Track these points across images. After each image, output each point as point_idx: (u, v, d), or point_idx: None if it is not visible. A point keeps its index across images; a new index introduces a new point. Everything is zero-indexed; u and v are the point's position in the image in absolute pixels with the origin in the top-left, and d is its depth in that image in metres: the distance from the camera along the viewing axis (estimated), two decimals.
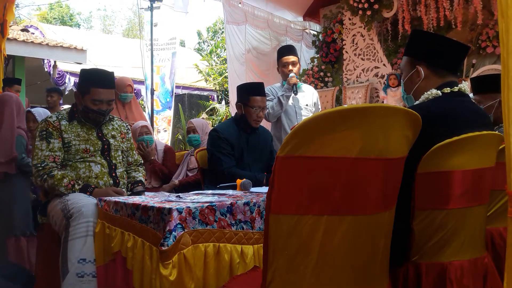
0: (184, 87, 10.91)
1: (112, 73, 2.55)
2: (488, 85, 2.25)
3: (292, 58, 3.42)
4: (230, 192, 2.14)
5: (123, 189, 2.45)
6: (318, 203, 0.98)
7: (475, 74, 4.60)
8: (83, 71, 2.55)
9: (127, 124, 2.78)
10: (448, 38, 1.68)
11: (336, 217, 0.99)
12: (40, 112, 3.71)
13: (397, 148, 1.08)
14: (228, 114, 8.91)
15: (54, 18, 21.94)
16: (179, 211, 1.57)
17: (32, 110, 3.75)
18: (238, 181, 2.26)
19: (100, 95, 2.40)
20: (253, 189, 2.25)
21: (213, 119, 9.61)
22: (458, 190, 1.39)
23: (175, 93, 7.87)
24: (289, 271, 0.97)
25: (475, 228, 1.44)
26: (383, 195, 1.06)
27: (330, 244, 0.99)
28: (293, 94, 3.40)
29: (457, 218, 1.39)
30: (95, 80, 2.42)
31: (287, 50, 3.51)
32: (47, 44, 7.76)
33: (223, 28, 14.65)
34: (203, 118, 8.34)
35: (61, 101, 6.50)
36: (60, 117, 2.45)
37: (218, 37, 14.53)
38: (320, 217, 0.98)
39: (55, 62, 8.39)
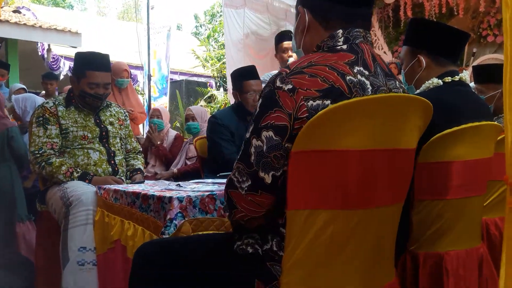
0: (182, 73, 10.83)
1: (107, 56, 2.52)
2: (491, 75, 2.25)
3: (292, 43, 3.40)
4: None
5: (122, 177, 2.45)
6: (330, 197, 0.97)
7: (475, 63, 4.58)
8: (78, 54, 2.53)
9: (125, 110, 2.77)
10: (448, 25, 1.68)
11: (348, 211, 0.99)
12: (18, 99, 3.72)
13: (411, 139, 1.07)
14: (226, 101, 8.87)
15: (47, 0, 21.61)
16: (180, 200, 1.58)
17: (13, 97, 3.76)
18: None
19: (96, 78, 2.38)
20: None
21: (212, 106, 9.56)
22: (457, 181, 1.40)
23: (172, 79, 7.81)
24: (304, 263, 0.99)
25: (472, 218, 1.46)
26: (396, 187, 1.06)
27: (341, 236, 0.99)
28: None
29: (454, 209, 1.41)
30: (91, 63, 2.40)
31: (287, 35, 3.47)
32: (40, 27, 7.51)
33: (221, 11, 14.49)
34: (201, 105, 8.31)
35: (56, 87, 6.44)
36: (57, 102, 2.43)
37: (216, 21, 14.37)
38: (332, 211, 0.97)
39: (49, 45, 8.23)
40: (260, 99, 1.01)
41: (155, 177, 3.48)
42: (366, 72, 1.01)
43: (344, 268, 1.01)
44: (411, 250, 1.43)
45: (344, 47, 1.05)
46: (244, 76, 2.77)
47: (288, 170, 0.96)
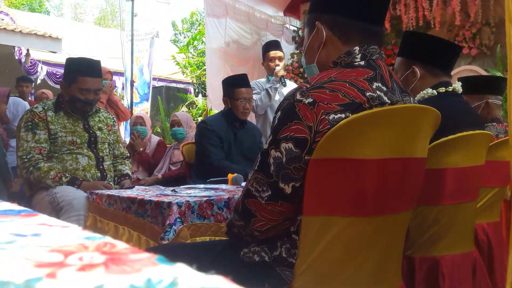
0: (160, 79, 10.77)
1: (99, 62, 2.52)
2: (476, 86, 2.35)
3: (279, 53, 3.46)
4: (224, 186, 2.14)
5: (111, 183, 2.43)
6: (346, 204, 0.98)
7: (452, 73, 4.75)
8: (70, 60, 2.51)
9: (113, 116, 2.75)
10: (442, 38, 1.75)
11: (363, 218, 1.00)
12: (10, 103, 3.64)
13: (423, 148, 1.11)
14: (205, 107, 8.87)
15: (23, 4, 21.17)
16: (179, 205, 1.57)
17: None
18: (230, 176, 2.27)
19: (87, 84, 2.37)
20: (244, 184, 2.26)
21: (192, 112, 9.53)
22: (452, 187, 1.45)
23: (152, 85, 7.77)
24: (317, 268, 0.99)
25: (465, 223, 1.51)
26: (408, 195, 1.09)
27: (355, 242, 1.01)
28: (280, 89, 3.43)
29: (449, 214, 1.46)
30: (82, 69, 2.39)
31: (274, 45, 3.54)
32: (20, 32, 7.46)
33: (200, 20, 14.50)
34: (183, 111, 8.27)
35: (32, 91, 6.30)
36: (46, 107, 2.40)
37: (195, 29, 14.37)
38: (347, 218, 0.99)
39: (27, 50, 8.09)
40: (279, 112, 1.00)
41: (138, 183, 3.45)
42: (384, 88, 1.03)
43: (357, 272, 1.03)
44: (407, 254, 1.47)
45: (362, 63, 1.06)
46: (236, 83, 2.81)
47: (305, 176, 0.96)
